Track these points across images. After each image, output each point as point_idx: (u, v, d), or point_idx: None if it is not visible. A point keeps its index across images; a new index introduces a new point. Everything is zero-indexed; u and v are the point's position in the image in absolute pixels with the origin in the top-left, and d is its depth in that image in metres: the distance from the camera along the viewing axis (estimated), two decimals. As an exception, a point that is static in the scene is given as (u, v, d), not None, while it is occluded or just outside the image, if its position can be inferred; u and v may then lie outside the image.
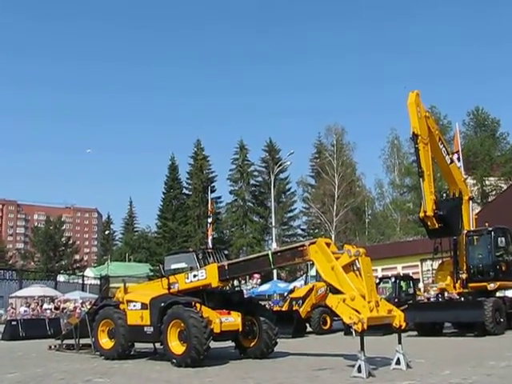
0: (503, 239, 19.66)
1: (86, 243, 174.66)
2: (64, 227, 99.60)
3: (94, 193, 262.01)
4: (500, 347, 15.09)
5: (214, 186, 67.25)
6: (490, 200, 50.67)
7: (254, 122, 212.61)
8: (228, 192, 71.43)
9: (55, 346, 18.57)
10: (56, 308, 31.87)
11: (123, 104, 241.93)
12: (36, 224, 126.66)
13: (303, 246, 12.39)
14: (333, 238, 49.90)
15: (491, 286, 19.29)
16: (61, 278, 51.59)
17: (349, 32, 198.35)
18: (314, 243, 12.10)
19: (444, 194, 21.64)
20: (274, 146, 71.96)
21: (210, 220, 42.53)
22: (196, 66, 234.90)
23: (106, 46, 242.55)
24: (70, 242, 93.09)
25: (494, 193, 55.21)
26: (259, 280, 42.52)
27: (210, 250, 15.37)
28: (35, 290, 35.64)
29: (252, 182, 71.50)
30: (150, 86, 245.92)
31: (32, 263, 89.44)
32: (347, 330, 19.37)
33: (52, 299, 34.54)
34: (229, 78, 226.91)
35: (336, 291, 11.43)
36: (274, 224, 53.11)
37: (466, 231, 20.22)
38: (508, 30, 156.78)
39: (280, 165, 56.48)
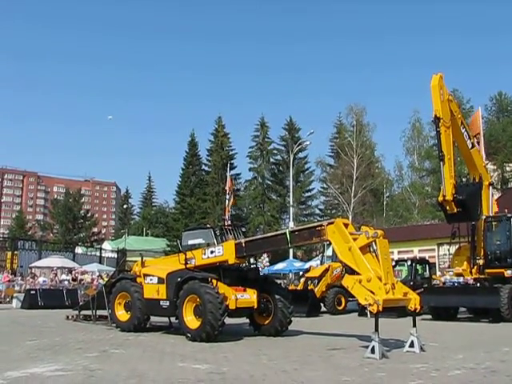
0: (522, 226, 19.50)
1: (104, 216, 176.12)
2: (83, 200, 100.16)
3: (113, 167, 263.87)
4: (515, 334, 15.06)
5: (233, 163, 67.22)
6: (509, 186, 50.19)
7: (275, 101, 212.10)
8: (247, 169, 71.42)
9: (72, 317, 18.92)
10: (74, 279, 32.36)
11: (145, 79, 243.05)
12: (55, 196, 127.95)
13: (321, 225, 12.38)
14: (350, 219, 49.65)
15: (508, 273, 19.12)
16: (79, 250, 52.07)
17: (373, 13, 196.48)
18: (331, 223, 12.07)
19: (464, 179, 21.44)
20: (293, 125, 71.56)
21: (228, 197, 42.49)
22: (218, 43, 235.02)
23: (129, 20, 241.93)
24: (89, 214, 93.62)
25: (514, 179, 54.68)
26: (267, 259, 42.48)
27: (227, 227, 15.36)
28: (54, 260, 36.17)
29: (271, 160, 71.33)
30: (172, 61, 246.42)
31: (51, 234, 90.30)
32: (361, 310, 19.44)
33: (70, 270, 35.04)
34: (251, 55, 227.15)
35: (352, 272, 11.45)
36: (291, 203, 52.98)
37: (484, 217, 20.06)
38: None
39: (299, 144, 56.22)
